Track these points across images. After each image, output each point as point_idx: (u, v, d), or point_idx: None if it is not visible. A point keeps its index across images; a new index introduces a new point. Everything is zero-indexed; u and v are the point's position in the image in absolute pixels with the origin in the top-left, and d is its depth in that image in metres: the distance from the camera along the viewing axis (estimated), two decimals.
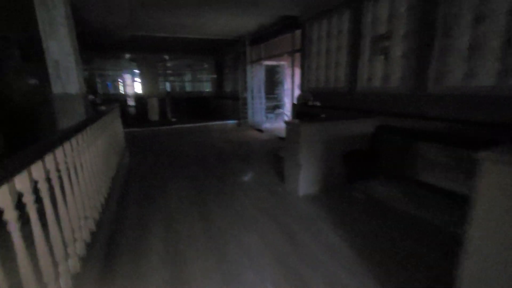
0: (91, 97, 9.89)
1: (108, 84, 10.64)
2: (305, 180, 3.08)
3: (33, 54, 3.28)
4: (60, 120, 3.43)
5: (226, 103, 10.37)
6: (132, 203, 2.98)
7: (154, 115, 9.63)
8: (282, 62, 8.61)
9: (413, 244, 2.17)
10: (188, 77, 11.92)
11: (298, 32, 5.57)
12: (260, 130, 7.53)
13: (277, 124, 8.33)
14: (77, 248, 1.59)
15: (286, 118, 8.63)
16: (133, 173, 4.01)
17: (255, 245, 2.22)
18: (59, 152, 1.46)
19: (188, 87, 11.96)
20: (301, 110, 5.17)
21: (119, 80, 10.86)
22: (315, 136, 3.05)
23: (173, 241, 2.27)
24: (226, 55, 10.12)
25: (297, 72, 7.25)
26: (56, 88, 3.37)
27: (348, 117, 3.65)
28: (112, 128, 3.58)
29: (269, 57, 7.31)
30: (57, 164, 1.42)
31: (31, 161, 1.14)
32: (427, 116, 2.98)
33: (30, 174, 1.13)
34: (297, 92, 6.26)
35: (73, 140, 1.75)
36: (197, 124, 8.18)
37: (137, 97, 10.25)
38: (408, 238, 2.26)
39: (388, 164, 3.36)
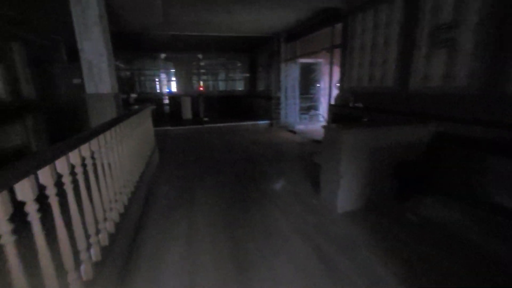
0: (132, 96, 10.36)
1: (146, 83, 11.03)
2: (345, 194, 2.67)
3: (77, 55, 3.31)
4: (92, 118, 3.44)
5: (259, 102, 10.12)
6: (156, 209, 2.84)
7: (187, 114, 9.74)
8: (318, 60, 8.10)
9: (482, 285, 1.69)
10: (221, 76, 11.91)
11: (338, 26, 5.08)
12: (293, 132, 7.14)
13: (311, 125, 7.86)
14: (101, 238, 1.44)
15: (322, 120, 8.13)
16: (161, 174, 3.92)
17: (284, 269, 1.91)
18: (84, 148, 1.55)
19: (221, 86, 11.95)
20: (339, 111, 4.70)
21: (156, 79, 11.20)
22: (360, 144, 2.63)
23: (193, 258, 2.04)
24: (259, 53, 9.86)
25: (335, 70, 6.73)
26: (90, 88, 3.37)
27: (397, 122, 3.14)
28: (142, 128, 3.50)
29: (305, 54, 6.88)
30: (82, 159, 1.52)
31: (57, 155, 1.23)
32: (503, 123, 2.39)
33: (53, 168, 1.22)
34: (335, 92, 5.77)
35: (95, 141, 1.74)
36: (229, 124, 8.04)
37: (172, 96, 10.47)
38: (477, 277, 1.77)
39: (449, 180, 2.80)
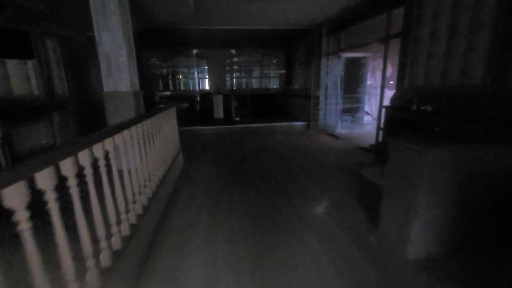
0: (163, 93, 10.30)
1: (180, 81, 10.91)
2: (420, 234, 1.92)
3: None
4: (110, 119, 3.08)
5: (294, 101, 9.39)
6: (173, 228, 2.35)
7: (218, 113, 9.37)
8: (365, 54, 7.12)
9: None
10: (254, 73, 11.36)
11: (397, 12, 4.19)
12: (335, 136, 6.31)
13: (356, 129, 6.94)
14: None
15: (369, 122, 7.15)
16: (183, 183, 3.46)
17: None
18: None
19: (255, 84, 11.41)
20: (398, 115, 3.83)
21: (190, 77, 11.03)
22: (447, 168, 1.84)
23: None
24: (296, 48, 9.10)
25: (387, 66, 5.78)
26: (108, 86, 3.00)
27: (496, 136, 2.26)
28: (163, 130, 3.06)
29: (352, 48, 5.99)
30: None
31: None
32: None
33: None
34: (390, 91, 4.87)
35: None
36: (262, 125, 7.46)
37: (204, 94, 10.18)
38: None
39: None
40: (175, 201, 2.97)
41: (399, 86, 4.06)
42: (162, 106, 3.76)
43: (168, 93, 10.58)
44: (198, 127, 7.18)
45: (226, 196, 3.10)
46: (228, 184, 3.45)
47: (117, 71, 2.95)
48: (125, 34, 2.91)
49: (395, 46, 4.54)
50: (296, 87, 9.48)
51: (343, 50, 6.24)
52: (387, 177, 2.18)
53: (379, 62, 7.19)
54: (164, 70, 10.70)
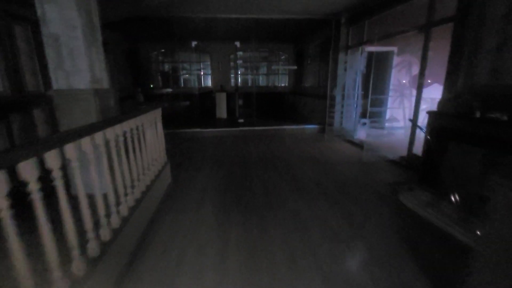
0: (164, 91, 9.47)
1: (182, 77, 10.09)
2: None
3: None
4: (61, 126, 2.25)
5: (305, 101, 8.48)
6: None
7: (221, 112, 8.52)
8: (390, 48, 6.17)
9: None
10: (261, 69, 10.47)
11: None
12: (354, 144, 5.40)
13: (379, 135, 5.99)
14: None
15: (394, 127, 6.20)
16: (168, 209, 2.62)
17: None
18: None
19: (261, 81, 10.52)
20: (450, 125, 2.91)
21: (191, 73, 10.20)
22: None
23: None
24: (308, 42, 8.17)
25: (414, 61, 4.85)
26: (58, 81, 2.16)
27: None
28: (143, 139, 2.22)
29: (379, 40, 5.04)
30: None
31: None
32: None
33: None
34: (432, 91, 3.95)
35: None
36: (268, 128, 6.58)
37: (206, 92, 9.34)
38: None
39: None
40: (150, 241, 2.13)
41: (449, 86, 3.13)
42: (144, 107, 2.91)
43: (169, 90, 9.79)
44: (196, 130, 6.34)
45: (220, 235, 2.24)
46: (225, 215, 2.59)
47: (70, 60, 2.11)
48: (80, 7, 2.06)
49: (420, 38, 3.61)
50: (307, 85, 8.56)
51: (366, 43, 5.29)
52: (488, 238, 1.29)
53: (406, 58, 6.25)
54: (166, 66, 9.89)
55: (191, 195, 3.03)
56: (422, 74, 3.81)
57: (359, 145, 5.21)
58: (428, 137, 3.11)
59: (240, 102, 9.67)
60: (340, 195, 3.00)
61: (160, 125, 3.06)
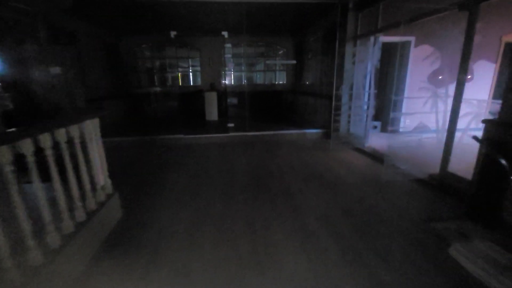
0: (152, 89, 8.50)
1: (169, 75, 9.11)
2: None
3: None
4: None
5: (306, 101, 7.53)
6: None
7: (212, 114, 7.57)
8: (407, 38, 5.20)
9: None
10: (257, 66, 9.50)
11: None
12: (367, 154, 4.45)
13: (393, 142, 5.03)
14: None
15: (410, 132, 5.24)
16: (106, 271, 1.69)
17: None
18: None
19: (257, 79, 9.55)
20: None
21: (179, 70, 9.23)
22: None
23: None
24: (309, 34, 7.20)
25: (422, 49, 3.96)
26: None
27: None
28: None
29: (406, 22, 4.03)
30: None
31: None
32: None
33: None
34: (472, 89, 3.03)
35: None
36: (263, 133, 5.63)
37: (195, 91, 8.37)
38: None
39: None
40: None
41: None
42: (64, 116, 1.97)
43: (157, 89, 8.84)
44: (179, 136, 5.40)
45: None
46: (196, 274, 1.66)
47: None
48: None
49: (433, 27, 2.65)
50: (308, 82, 7.61)
51: (381, 31, 4.33)
52: None
53: (425, 49, 5.29)
54: (153, 63, 8.91)
55: (149, 238, 2.09)
56: (464, 67, 2.85)
57: (372, 155, 4.27)
58: (488, 153, 2.16)
59: (235, 101, 8.73)
60: (360, 244, 2.06)
61: (97, 143, 2.11)
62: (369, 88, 4.73)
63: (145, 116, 8.41)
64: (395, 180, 3.31)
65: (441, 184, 3.03)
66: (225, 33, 4.92)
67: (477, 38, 2.75)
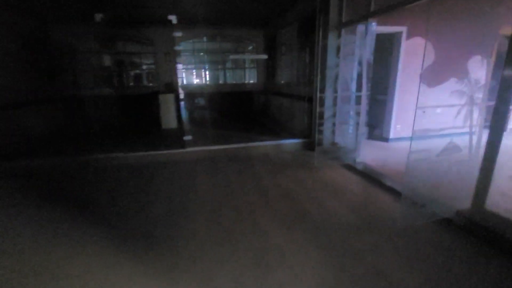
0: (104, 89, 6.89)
1: (129, 74, 7.55)
2: None
3: None
4: None
5: (281, 102, 6.52)
6: None
7: (169, 121, 6.27)
8: (397, 28, 4.37)
9: None
10: (221, 63, 8.31)
11: None
12: (361, 173, 3.51)
13: (386, 154, 4.15)
14: None
15: (399, 139, 4.39)
16: None
17: None
18: None
19: (223, 78, 8.37)
20: None
21: (143, 68, 7.73)
22: None
23: None
24: (284, 24, 6.18)
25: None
26: None
27: None
28: None
29: (392, 8, 3.12)
30: None
31: None
32: None
33: None
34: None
35: None
36: (230, 147, 4.49)
37: (149, 94, 6.99)
38: None
39: None
40: None
41: None
42: None
43: (111, 90, 7.24)
44: (116, 155, 4.08)
45: None
46: None
47: None
48: None
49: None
50: (282, 81, 6.60)
51: (374, 15, 3.38)
52: None
53: (417, 42, 4.51)
54: (99, 58, 7.31)
55: None
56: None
57: (368, 175, 3.32)
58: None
59: (198, 104, 7.49)
60: None
61: None
62: (361, 89, 3.79)
63: (82, 126, 6.80)
64: (413, 222, 2.36)
65: (475, 227, 2.13)
66: (172, 18, 3.68)
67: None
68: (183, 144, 4.32)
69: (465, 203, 2.27)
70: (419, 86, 2.40)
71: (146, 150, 4.23)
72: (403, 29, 4.36)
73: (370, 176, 3.31)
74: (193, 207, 2.68)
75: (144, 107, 6.83)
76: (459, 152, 2.50)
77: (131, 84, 7.54)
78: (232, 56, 7.64)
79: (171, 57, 6.95)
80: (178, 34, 3.83)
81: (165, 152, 4.20)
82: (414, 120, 2.25)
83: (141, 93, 7.07)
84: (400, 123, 4.84)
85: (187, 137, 4.28)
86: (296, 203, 2.71)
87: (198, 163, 4.03)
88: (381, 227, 2.26)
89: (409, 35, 4.44)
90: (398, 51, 4.46)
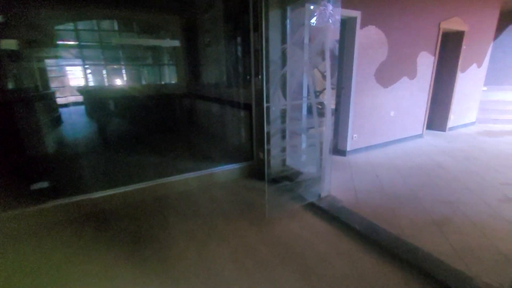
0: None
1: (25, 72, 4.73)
2: None
3: None
4: None
5: (207, 109, 5.08)
6: None
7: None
8: (351, 12, 3.41)
9: None
10: (128, 59, 6.29)
11: None
12: (333, 219, 2.35)
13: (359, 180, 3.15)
14: None
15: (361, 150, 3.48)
16: None
17: None
18: None
19: (130, 78, 6.36)
20: None
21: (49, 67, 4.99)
22: None
23: None
24: (203, 11, 4.69)
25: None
26: None
27: None
28: None
29: None
30: None
31: None
32: None
33: None
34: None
35: None
36: (131, 189, 2.79)
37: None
38: None
39: None
40: None
41: None
42: None
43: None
44: None
45: None
46: None
47: None
48: None
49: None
50: (210, 81, 5.14)
51: None
52: None
53: (372, 32, 3.69)
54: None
55: None
56: None
57: (348, 225, 2.19)
58: None
59: (77, 116, 5.34)
60: None
61: None
62: (319, 92, 2.63)
63: None
64: None
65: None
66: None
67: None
68: (78, 190, 2.42)
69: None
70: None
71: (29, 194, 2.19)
72: (357, 13, 3.43)
73: (350, 226, 2.18)
74: None
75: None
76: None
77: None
78: (139, 52, 5.73)
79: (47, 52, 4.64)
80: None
81: (44, 206, 2.25)
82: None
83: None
84: (356, 132, 3.98)
85: (41, 184, 2.41)
86: None
87: (70, 226, 2.23)
88: None
89: (364, 23, 3.55)
90: (353, 43, 3.52)
